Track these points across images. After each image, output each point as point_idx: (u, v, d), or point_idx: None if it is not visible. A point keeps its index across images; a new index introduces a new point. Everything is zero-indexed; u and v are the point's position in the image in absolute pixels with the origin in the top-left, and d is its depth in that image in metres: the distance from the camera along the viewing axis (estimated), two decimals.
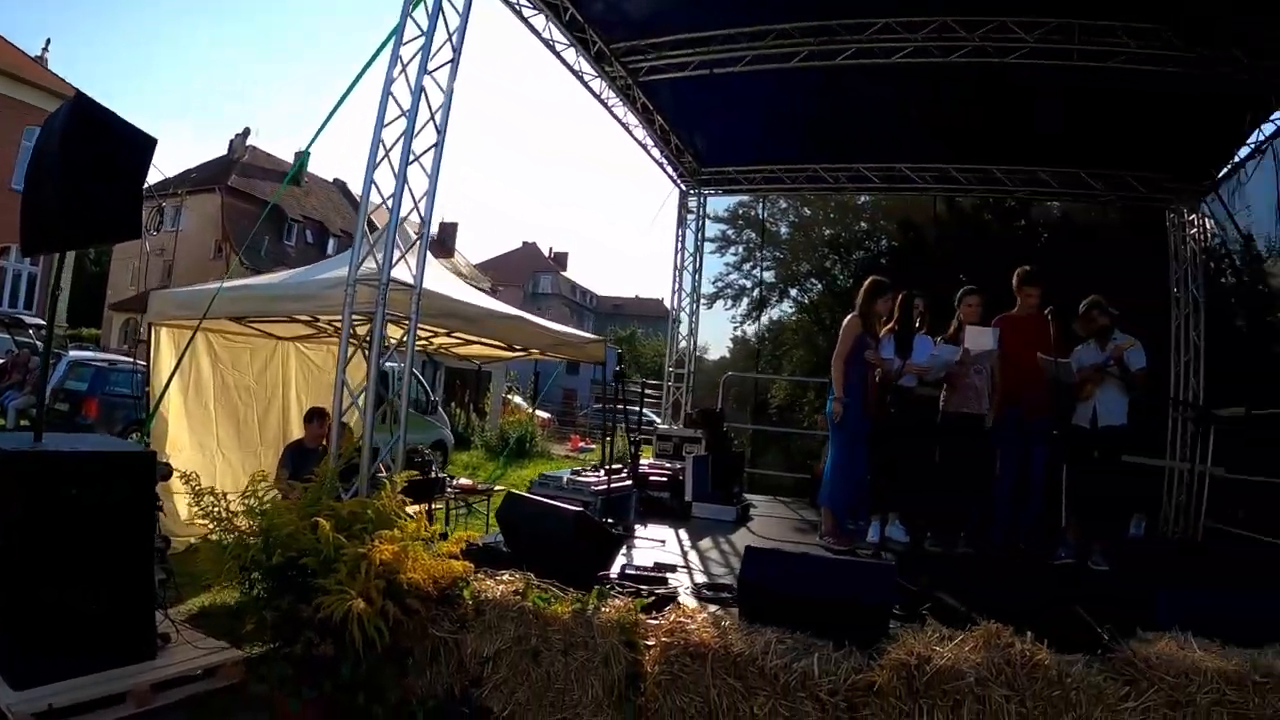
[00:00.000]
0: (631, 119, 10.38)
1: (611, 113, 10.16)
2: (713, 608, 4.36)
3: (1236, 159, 9.80)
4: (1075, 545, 6.99)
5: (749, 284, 15.61)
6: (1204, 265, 10.48)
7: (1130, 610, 3.89)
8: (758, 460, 12.29)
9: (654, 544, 6.57)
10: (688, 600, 4.57)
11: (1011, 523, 7.22)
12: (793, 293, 15.48)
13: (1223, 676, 3.23)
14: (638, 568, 5.26)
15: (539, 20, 8.67)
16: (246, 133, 38.90)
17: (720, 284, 15.44)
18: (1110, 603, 4.37)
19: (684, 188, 11.91)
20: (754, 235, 14.31)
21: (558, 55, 9.15)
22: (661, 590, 4.62)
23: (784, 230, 14.38)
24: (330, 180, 43.49)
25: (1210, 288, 10.55)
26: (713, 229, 13.96)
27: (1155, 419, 10.35)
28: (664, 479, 8.48)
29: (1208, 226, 10.53)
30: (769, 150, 11.42)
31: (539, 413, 24.79)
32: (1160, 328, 10.62)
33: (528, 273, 66.04)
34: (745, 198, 14.05)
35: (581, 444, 22.60)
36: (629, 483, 7.62)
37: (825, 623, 3.69)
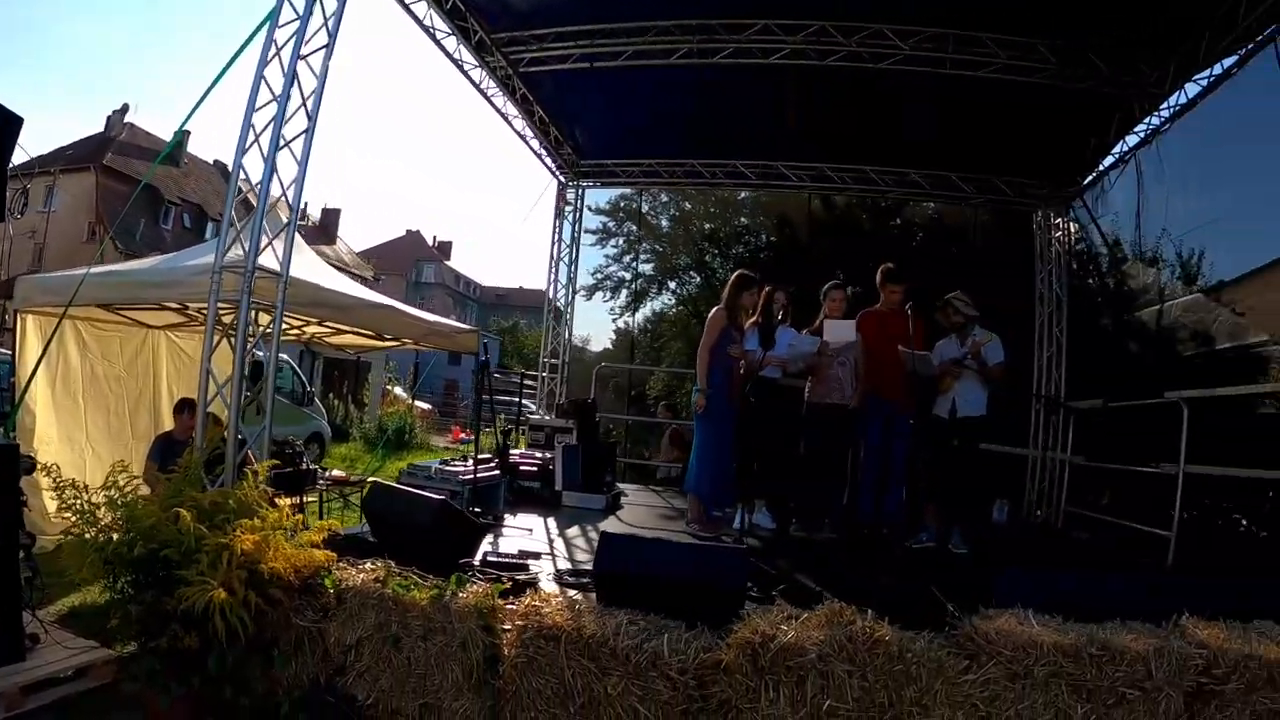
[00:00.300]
0: (511, 109, 10.39)
1: (491, 103, 10.15)
2: (573, 592, 4.44)
3: (1102, 167, 10.42)
4: (936, 530, 7.30)
5: (628, 276, 15.78)
6: (1068, 266, 11.11)
7: (982, 590, 4.09)
8: (638, 450, 12.46)
9: (522, 532, 6.61)
10: (549, 586, 4.64)
11: (874, 508, 7.50)
12: (671, 285, 15.74)
13: (1059, 650, 3.47)
14: (501, 555, 5.32)
15: (420, 7, 8.63)
16: (125, 109, 36.09)
17: (599, 276, 15.57)
18: (964, 583, 4.67)
19: (563, 180, 11.96)
20: (634, 228, 14.43)
21: (438, 43, 9.10)
22: (522, 576, 4.68)
23: (664, 223, 14.54)
24: (210, 162, 41.03)
25: (1075, 288, 11.19)
26: (593, 221, 14.06)
27: (1017, 411, 10.92)
28: (534, 468, 8.51)
29: (1072, 230, 11.17)
30: (648, 145, 11.58)
31: (418, 403, 24.48)
32: (1027, 325, 11.23)
33: (411, 261, 65.10)
34: (627, 190, 14.19)
35: (463, 435, 22.31)
36: (497, 472, 7.63)
37: (679, 605, 3.80)
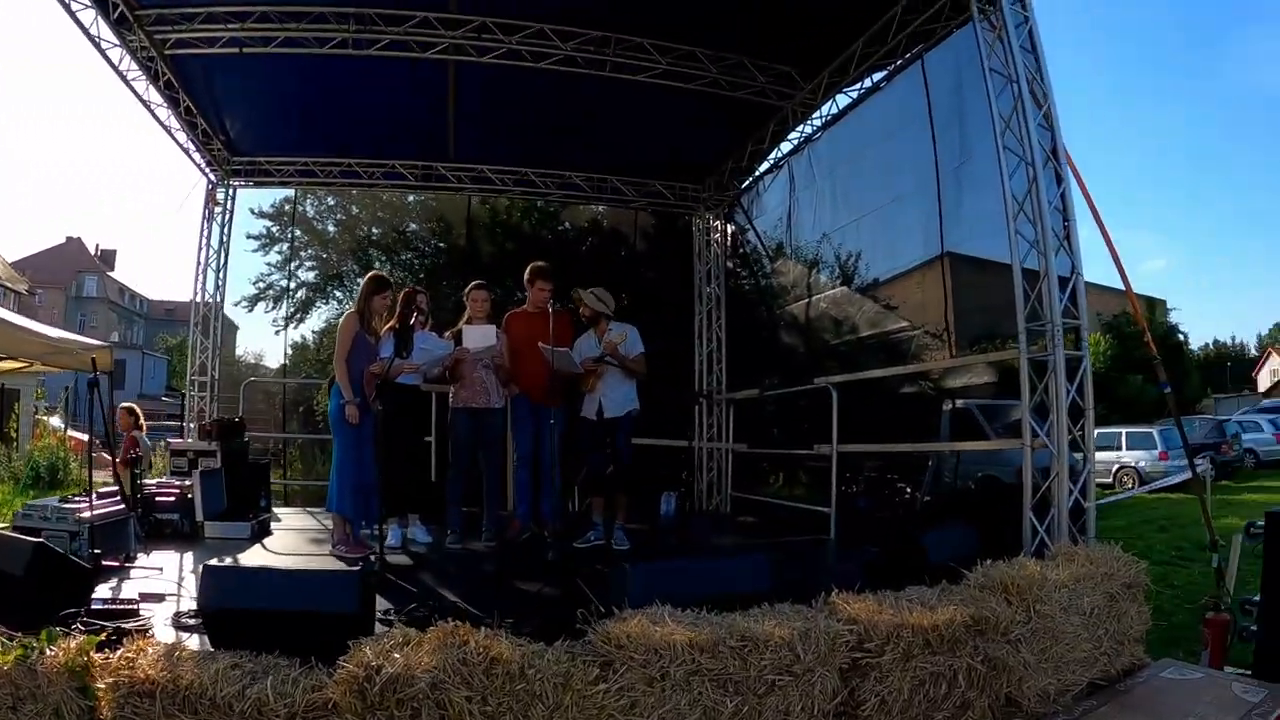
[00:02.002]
0: (155, 97, 9.20)
1: (132, 88, 8.87)
2: (191, 637, 3.89)
3: (758, 172, 10.93)
4: (601, 527, 7.28)
5: (292, 285, 14.64)
6: (725, 266, 11.56)
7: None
8: (314, 468, 11.62)
9: (151, 572, 5.82)
10: (165, 632, 4.03)
11: (531, 512, 7.49)
12: (338, 295, 14.70)
13: (695, 647, 3.32)
14: (112, 601, 4.54)
15: None
16: None
17: (262, 285, 14.33)
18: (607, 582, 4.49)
19: (213, 178, 10.84)
20: (300, 233, 13.46)
21: (74, 16, 7.80)
22: (131, 624, 3.99)
23: (331, 228, 13.65)
24: None
25: (733, 287, 11.68)
26: (256, 226, 12.94)
27: (683, 405, 11.24)
28: (172, 499, 7.59)
29: (730, 231, 11.62)
30: (305, 142, 10.77)
31: (72, 433, 21.67)
32: (690, 323, 11.58)
33: (72, 273, 58.00)
34: (291, 193, 13.18)
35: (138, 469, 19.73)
36: (122, 506, 6.68)
37: (292, 640, 3.37)
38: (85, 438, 23.68)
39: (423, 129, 10.29)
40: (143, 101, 9.12)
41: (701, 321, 11.61)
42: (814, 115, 9.44)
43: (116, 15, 8.00)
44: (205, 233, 10.81)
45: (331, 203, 13.65)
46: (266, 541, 7.48)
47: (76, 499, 6.61)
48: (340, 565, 6.06)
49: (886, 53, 7.97)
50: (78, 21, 7.90)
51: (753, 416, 10.79)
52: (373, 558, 6.08)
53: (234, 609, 3.60)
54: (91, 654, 3.29)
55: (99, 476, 7.52)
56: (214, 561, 6.12)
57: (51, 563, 4.26)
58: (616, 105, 9.40)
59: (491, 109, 9.87)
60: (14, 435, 18.92)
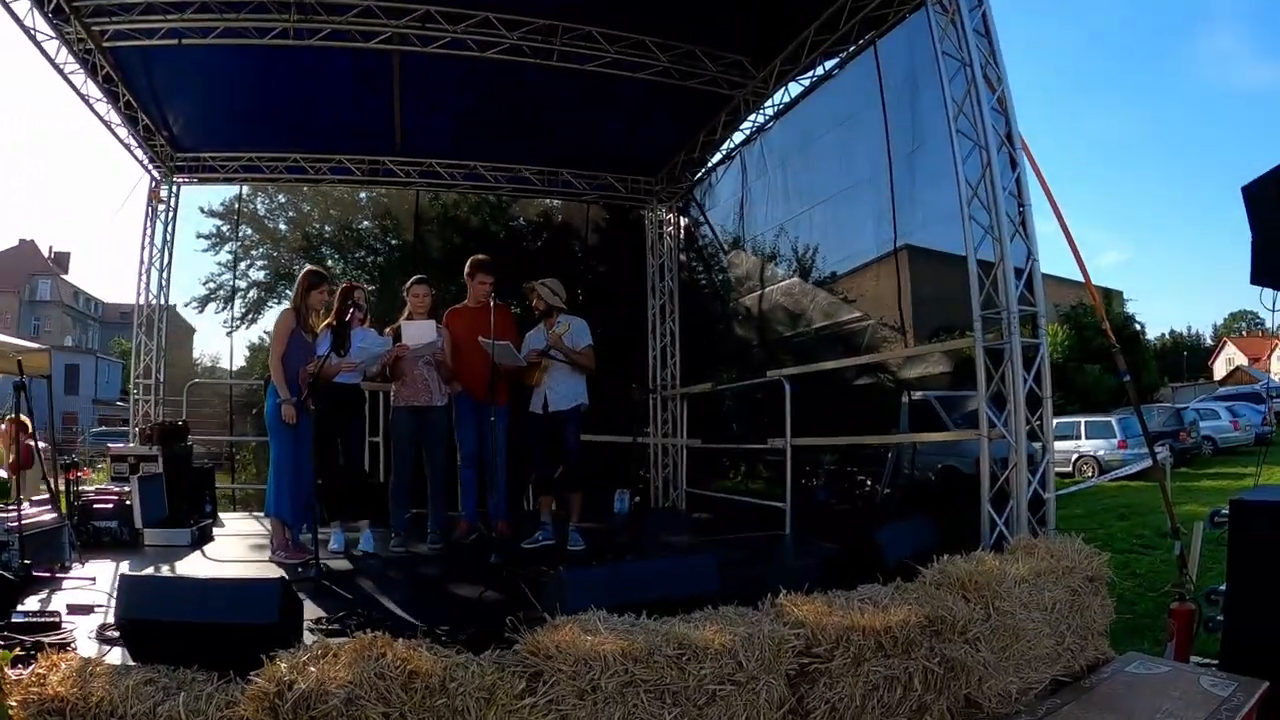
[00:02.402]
0: (94, 91, 8.80)
1: (69, 81, 8.47)
2: (113, 650, 3.64)
3: (711, 163, 10.67)
4: (550, 527, 7.05)
5: (242, 285, 14.16)
6: (678, 260, 11.32)
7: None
8: (262, 474, 11.24)
9: (83, 582, 5.48)
10: (89, 645, 3.77)
11: (477, 510, 7.28)
12: (290, 293, 13.93)
13: (629, 657, 3.07)
14: (31, 614, 4.24)
15: None
16: None
17: (212, 286, 13.86)
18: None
19: (156, 175, 10.45)
20: (250, 232, 13.05)
21: (5, 6, 7.41)
22: (52, 637, 3.76)
23: (283, 227, 13.23)
24: None
25: (688, 280, 11.43)
26: (206, 225, 12.51)
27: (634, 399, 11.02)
28: (110, 506, 7.24)
29: (682, 224, 11.37)
30: (249, 137, 10.39)
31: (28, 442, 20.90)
32: (643, 317, 11.34)
33: (25, 276, 56.26)
34: (245, 190, 12.77)
35: (80, 475, 19.19)
36: (53, 514, 6.39)
37: (212, 652, 3.13)
38: (31, 444, 23.03)
39: (369, 123, 9.94)
40: (81, 96, 8.74)
41: (655, 316, 11.38)
42: (766, 104, 9.23)
43: (53, 6, 7.64)
44: (149, 232, 10.44)
45: (282, 200, 13.24)
46: (208, 548, 7.14)
47: (8, 508, 6.22)
48: (266, 573, 5.76)
49: (839, 39, 7.79)
50: (10, 11, 7.54)
51: (708, 411, 10.57)
52: (312, 563, 5.85)
53: (151, 620, 3.37)
54: (5, 670, 3.07)
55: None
56: (125, 569, 5.90)
57: None
58: (565, 96, 9.17)
59: (437, 101, 9.57)
60: None
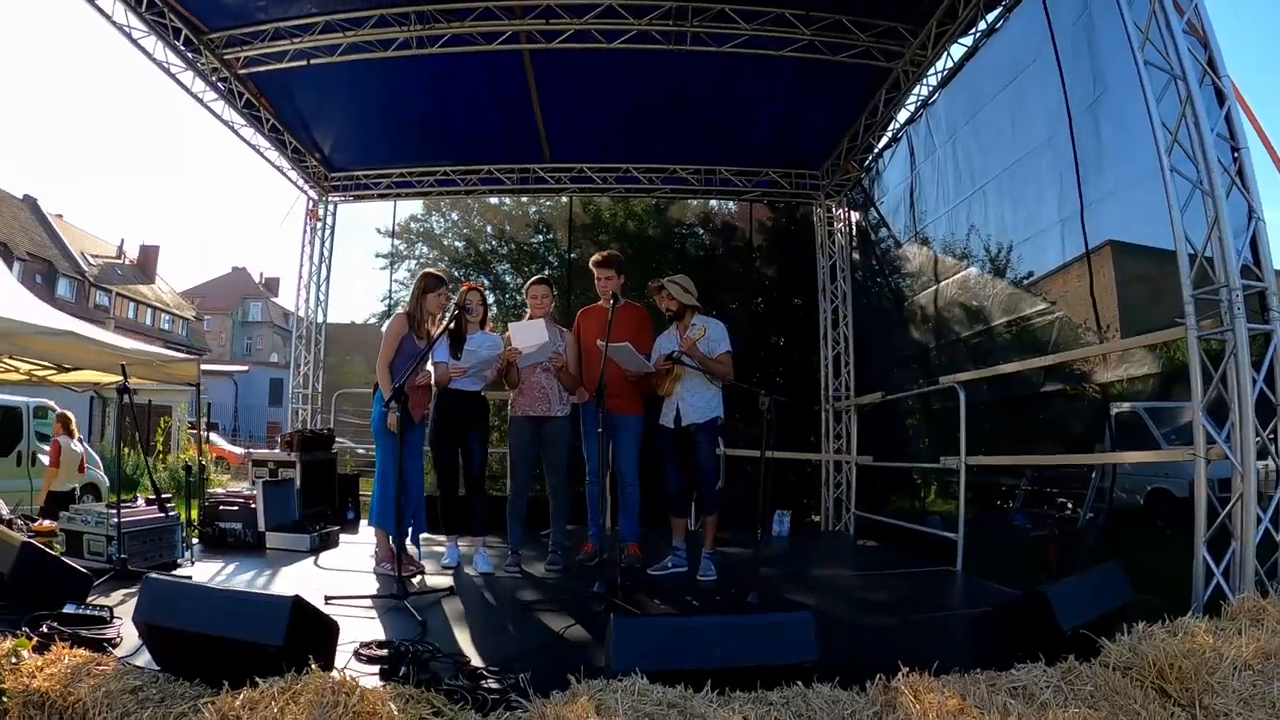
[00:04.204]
0: (235, 117, 8.72)
1: (209, 108, 8.47)
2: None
3: (877, 149, 9.29)
4: (682, 553, 6.12)
5: None
6: (851, 259, 10.00)
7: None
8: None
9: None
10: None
11: (601, 532, 6.47)
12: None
13: None
14: (83, 607, 4.00)
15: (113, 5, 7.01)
16: None
17: (391, 302, 13.66)
18: None
19: (313, 195, 10.36)
20: (426, 249, 12.87)
21: (135, 42, 7.40)
22: (94, 631, 3.68)
23: (459, 244, 12.91)
24: (19, 197, 37.66)
25: (861, 280, 10.02)
26: (384, 244, 12.42)
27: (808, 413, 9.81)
28: (236, 508, 7.18)
29: (854, 219, 10.05)
30: (398, 152, 10.10)
31: (219, 442, 22.33)
32: (811, 322, 10.10)
33: (237, 299, 60.96)
34: (417, 210, 12.66)
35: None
36: (158, 513, 6.21)
37: (215, 666, 2.91)
38: (229, 447, 24.53)
39: (512, 130, 9.34)
40: (225, 123, 8.68)
41: (826, 320, 10.05)
42: (928, 74, 7.78)
43: (182, 39, 7.57)
44: (308, 249, 10.41)
45: (455, 218, 12.97)
46: (325, 555, 6.86)
47: (129, 504, 6.33)
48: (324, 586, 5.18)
49: None
50: (139, 47, 7.54)
51: (883, 424, 9.16)
52: (412, 576, 5.59)
53: (162, 626, 3.19)
54: (22, 657, 3.10)
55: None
56: (229, 570, 6.08)
57: (37, 564, 4.22)
58: (709, 87, 8.26)
59: (576, 102, 8.85)
60: (159, 447, 19.45)
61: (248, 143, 9.03)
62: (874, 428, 9.21)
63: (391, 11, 7.40)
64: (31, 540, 4.47)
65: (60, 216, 40.41)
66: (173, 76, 7.87)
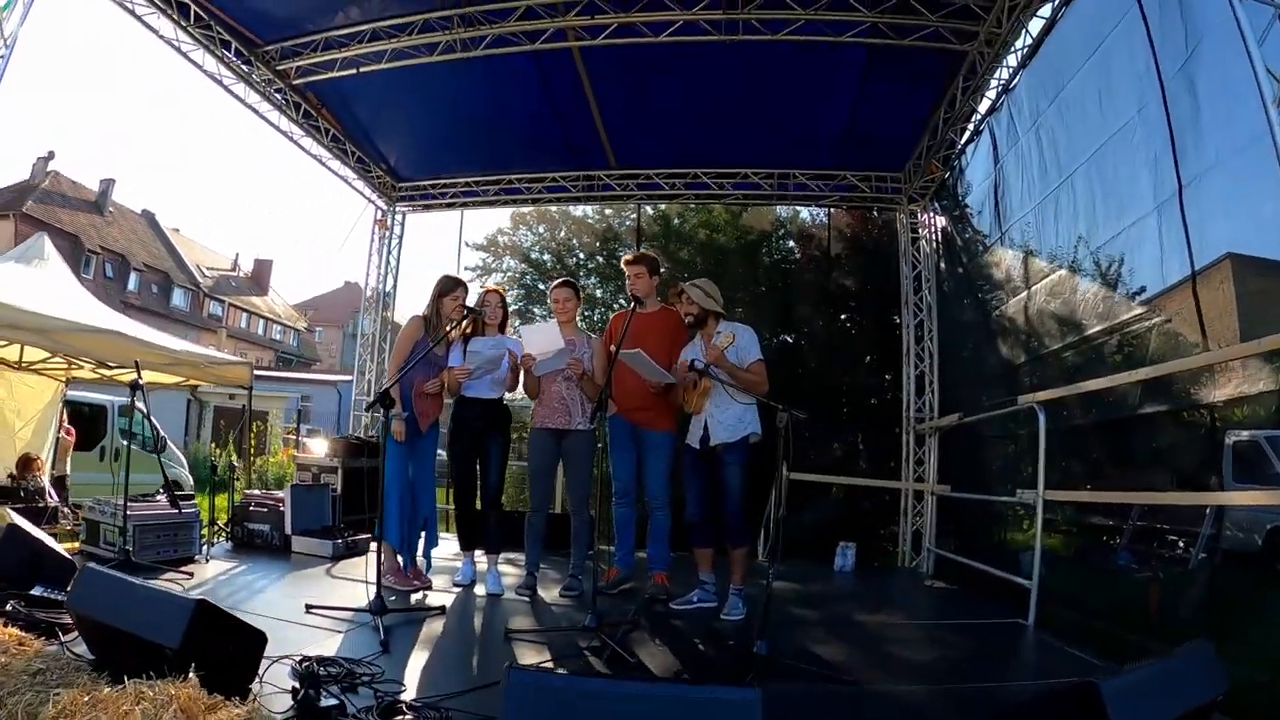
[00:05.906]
0: (294, 129, 8.48)
1: (266, 119, 8.27)
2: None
3: (960, 145, 8.17)
4: (710, 586, 5.35)
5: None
6: (937, 268, 8.87)
7: None
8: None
9: (180, 576, 5.40)
10: None
11: (631, 556, 5.79)
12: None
13: None
14: (48, 591, 4.11)
15: (160, 20, 6.90)
16: (50, 156, 33.50)
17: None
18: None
19: (382, 205, 10.06)
20: (514, 263, 12.48)
21: (186, 56, 7.34)
22: (44, 614, 3.74)
23: (547, 258, 12.46)
24: (138, 211, 39.29)
25: (949, 289, 8.81)
26: (473, 257, 12.15)
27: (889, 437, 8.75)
28: (265, 510, 7.03)
29: (939, 224, 8.93)
30: (459, 161, 9.69)
31: (309, 443, 22.52)
32: (892, 335, 9.05)
33: (348, 312, 62.55)
34: (505, 223, 12.34)
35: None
36: (173, 510, 6.16)
37: (122, 660, 2.91)
38: (324, 452, 24.69)
39: (572, 136, 8.77)
40: (285, 135, 8.44)
41: (909, 334, 8.90)
42: (1006, 55, 6.69)
43: (234, 51, 7.40)
44: (377, 260, 10.21)
45: (542, 230, 12.57)
46: (345, 562, 6.52)
47: (151, 499, 6.52)
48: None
49: None
50: (191, 60, 7.44)
51: (968, 449, 7.95)
52: (415, 596, 5.27)
53: (86, 616, 3.22)
54: None
55: None
56: (317, 579, 5.83)
57: (23, 545, 4.28)
58: (773, 82, 7.49)
59: (635, 103, 8.19)
60: (252, 450, 19.78)
61: (308, 153, 8.85)
62: (959, 454, 8.06)
63: (435, 15, 7.02)
64: (16, 524, 4.48)
65: (177, 230, 42.14)
66: (225, 88, 7.70)
